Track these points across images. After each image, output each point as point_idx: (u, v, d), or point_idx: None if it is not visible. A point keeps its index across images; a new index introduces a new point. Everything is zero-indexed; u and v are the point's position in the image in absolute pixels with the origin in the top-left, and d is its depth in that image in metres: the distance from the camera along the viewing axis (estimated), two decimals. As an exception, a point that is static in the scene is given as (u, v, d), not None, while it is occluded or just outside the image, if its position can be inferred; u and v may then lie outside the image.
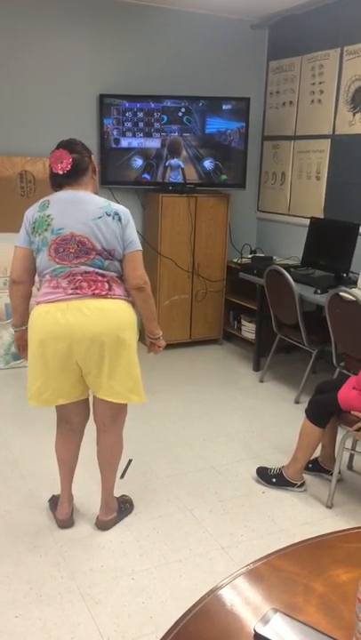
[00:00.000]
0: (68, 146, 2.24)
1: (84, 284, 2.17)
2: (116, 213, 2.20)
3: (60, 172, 2.20)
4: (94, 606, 2.06)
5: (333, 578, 1.16)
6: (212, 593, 1.12)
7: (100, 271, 2.19)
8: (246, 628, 1.04)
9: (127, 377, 2.26)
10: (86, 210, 2.17)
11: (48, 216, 2.18)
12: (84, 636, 1.93)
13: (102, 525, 2.45)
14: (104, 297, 2.19)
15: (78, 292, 2.17)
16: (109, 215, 2.18)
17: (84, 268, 2.17)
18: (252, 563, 1.21)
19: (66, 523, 2.47)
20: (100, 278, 2.19)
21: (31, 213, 2.24)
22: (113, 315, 2.19)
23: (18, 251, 2.27)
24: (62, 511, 2.48)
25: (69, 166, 2.19)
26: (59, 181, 2.24)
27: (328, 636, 0.99)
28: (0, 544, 2.37)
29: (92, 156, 2.31)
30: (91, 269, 2.18)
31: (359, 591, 0.93)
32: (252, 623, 1.04)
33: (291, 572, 1.19)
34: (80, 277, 2.17)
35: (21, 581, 2.17)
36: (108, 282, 2.21)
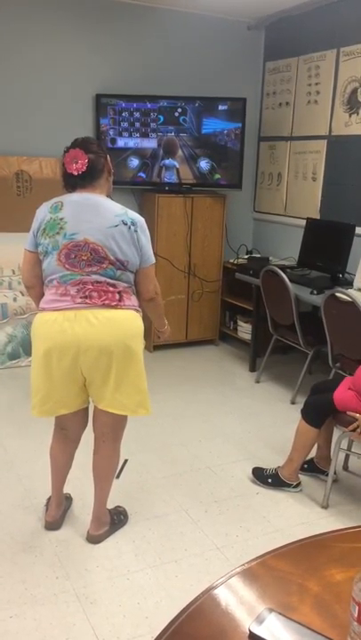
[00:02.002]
0: (84, 145, 2.14)
1: (95, 294, 2.09)
2: (133, 223, 2.12)
3: (75, 173, 2.11)
4: (89, 606, 2.06)
5: (328, 577, 1.16)
6: (207, 593, 1.11)
7: (112, 281, 2.11)
8: (241, 627, 1.04)
9: (135, 390, 2.20)
10: (103, 216, 2.08)
11: (61, 219, 2.09)
12: (78, 637, 1.93)
13: (92, 540, 2.38)
14: (114, 307, 2.11)
15: (88, 301, 2.09)
16: (126, 224, 2.09)
17: (95, 277, 2.09)
18: (246, 562, 1.21)
19: (52, 525, 2.45)
20: (110, 289, 2.11)
21: (42, 214, 2.15)
22: (122, 324, 2.12)
23: (25, 254, 2.22)
24: (50, 513, 2.46)
25: (85, 167, 2.10)
26: (72, 182, 2.15)
27: (322, 636, 0.99)
28: (-5, 544, 2.37)
29: (108, 157, 2.23)
30: (102, 279, 2.10)
31: (353, 591, 0.93)
32: (246, 623, 1.04)
33: (285, 571, 1.19)
34: (90, 287, 2.09)
35: (16, 581, 2.17)
36: (119, 292, 2.13)
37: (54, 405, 2.22)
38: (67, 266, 2.10)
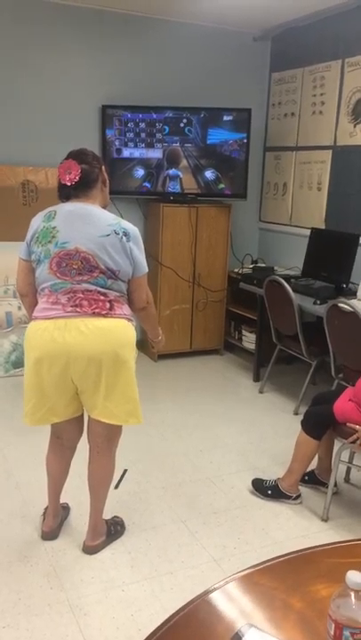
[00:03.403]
0: (78, 156, 2.17)
1: (85, 303, 2.10)
2: (125, 233, 2.12)
3: (69, 184, 2.13)
4: (83, 618, 2.05)
5: (313, 593, 1.14)
6: (188, 606, 1.10)
7: (103, 290, 2.12)
8: (220, 643, 1.02)
9: (125, 398, 2.19)
10: (94, 225, 2.10)
11: (54, 228, 2.11)
12: (71, 648, 1.91)
13: (88, 550, 2.36)
14: (104, 316, 2.11)
15: (78, 309, 2.09)
16: (118, 234, 2.11)
17: (85, 285, 2.10)
18: (231, 576, 1.19)
19: (48, 535, 2.44)
20: (101, 297, 2.12)
21: (36, 223, 2.18)
22: (112, 333, 2.12)
23: (19, 262, 2.24)
24: (47, 523, 2.45)
25: (78, 177, 2.12)
26: (66, 193, 2.17)
27: (302, 653, 0.97)
28: (-9, 553, 2.36)
29: (103, 167, 2.24)
30: (93, 288, 2.10)
31: (330, 608, 0.91)
32: (226, 638, 1.02)
33: (270, 586, 1.17)
34: (81, 295, 2.10)
35: (10, 591, 2.16)
36: (110, 301, 2.13)
37: (45, 414, 2.22)
38: (58, 274, 2.10)
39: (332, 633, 0.90)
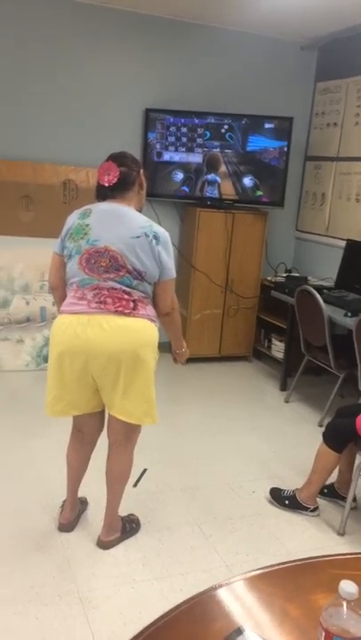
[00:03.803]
0: (118, 159, 2.23)
1: (109, 300, 2.14)
2: (155, 237, 2.16)
3: (106, 185, 2.19)
4: (91, 611, 2.08)
5: (311, 602, 1.14)
6: (185, 604, 1.12)
7: (128, 289, 2.15)
8: (213, 642, 1.03)
9: (142, 398, 2.22)
10: (126, 226, 2.15)
11: (87, 225, 2.17)
12: (77, 639, 1.95)
13: (103, 545, 2.40)
14: (127, 315, 2.14)
15: (102, 306, 2.13)
16: (148, 236, 2.14)
17: (111, 283, 2.14)
18: (231, 578, 1.20)
19: (65, 527, 2.48)
20: (125, 296, 2.15)
21: (71, 220, 2.25)
22: (133, 332, 2.15)
23: (53, 256, 2.31)
24: (64, 515, 2.50)
25: (116, 179, 2.18)
26: (103, 193, 2.23)
27: (293, 659, 0.97)
28: (8, 542, 2.42)
29: (142, 171, 2.30)
30: (118, 286, 2.14)
31: (322, 616, 0.91)
32: (219, 639, 1.03)
33: (269, 591, 1.18)
34: (106, 292, 2.14)
35: (24, 580, 2.21)
36: (133, 301, 2.16)
37: (66, 406, 2.27)
38: (86, 270, 2.16)
39: (321, 641, 0.91)
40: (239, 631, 1.03)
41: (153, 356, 2.22)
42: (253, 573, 1.22)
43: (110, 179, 2.19)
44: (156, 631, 1.04)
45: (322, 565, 1.29)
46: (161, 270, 2.20)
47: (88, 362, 2.14)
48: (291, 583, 1.21)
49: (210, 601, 1.14)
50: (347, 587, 0.91)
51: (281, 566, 1.25)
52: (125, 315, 2.15)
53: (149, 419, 2.26)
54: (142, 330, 2.18)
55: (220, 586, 1.17)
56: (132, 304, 2.16)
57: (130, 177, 2.23)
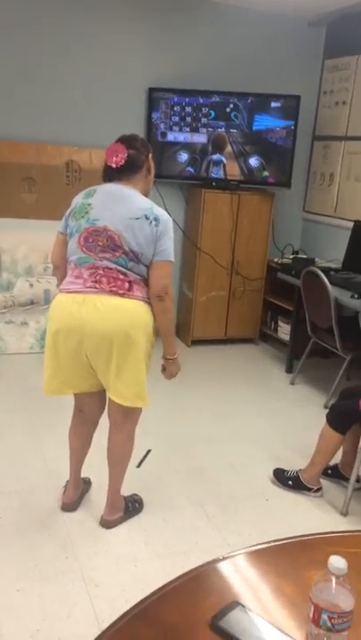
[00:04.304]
0: (127, 141, 2.23)
1: (104, 280, 2.14)
2: (156, 219, 2.14)
3: (114, 166, 2.19)
4: (93, 589, 2.10)
5: (305, 579, 1.14)
6: (179, 580, 1.12)
7: (123, 270, 2.15)
8: (206, 617, 1.03)
9: (133, 380, 2.20)
10: (126, 207, 2.15)
11: (89, 204, 2.18)
12: (79, 616, 1.97)
13: (105, 524, 2.42)
14: (121, 295, 2.14)
15: (97, 285, 2.14)
16: (148, 219, 2.13)
17: (106, 263, 2.14)
18: (225, 555, 1.20)
19: (68, 507, 2.50)
20: (121, 277, 2.15)
21: (76, 199, 2.27)
22: (126, 313, 2.14)
23: (57, 235, 2.32)
24: (67, 495, 2.52)
25: (123, 161, 2.18)
26: (110, 174, 2.23)
27: (283, 633, 0.97)
28: (13, 521, 2.44)
29: (150, 156, 2.28)
30: (113, 266, 2.14)
31: (312, 591, 0.91)
32: (212, 613, 1.03)
33: (264, 569, 1.17)
34: (101, 272, 2.14)
35: (27, 558, 2.23)
36: (129, 282, 2.16)
37: (59, 384, 2.28)
38: (84, 249, 2.17)
39: (311, 615, 0.90)
40: (232, 606, 1.03)
41: (146, 338, 2.20)
42: (248, 550, 1.21)
43: (118, 160, 2.18)
44: (149, 607, 1.04)
45: (317, 543, 1.28)
46: (156, 249, 2.17)
47: (82, 341, 2.15)
48: (285, 560, 1.20)
49: (204, 576, 1.14)
50: (336, 562, 0.90)
51: (276, 543, 1.25)
52: (120, 295, 2.14)
53: (141, 401, 2.25)
54: (135, 311, 2.16)
55: (215, 562, 1.17)
56: (127, 284, 2.16)
57: (138, 160, 2.22)
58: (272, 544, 1.24)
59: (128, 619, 1.02)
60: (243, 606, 1.04)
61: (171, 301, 2.23)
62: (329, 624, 0.87)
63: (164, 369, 2.38)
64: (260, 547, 1.22)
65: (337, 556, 0.90)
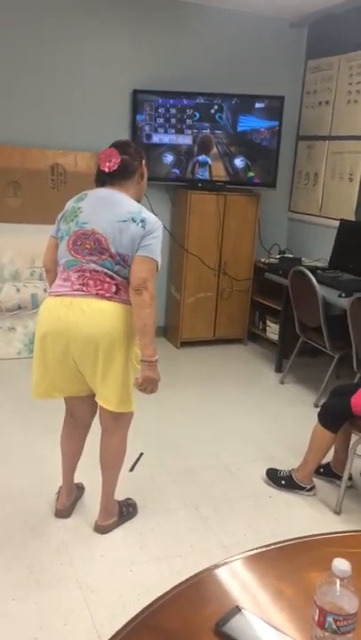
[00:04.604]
0: (121, 146, 2.24)
1: (91, 282, 2.13)
2: (143, 220, 2.13)
3: (107, 170, 2.19)
4: (90, 595, 2.08)
5: (305, 581, 1.14)
6: (179, 587, 1.11)
7: (110, 273, 2.14)
8: (208, 623, 1.03)
9: (118, 384, 2.17)
10: (115, 211, 2.14)
11: (79, 208, 2.19)
12: (76, 623, 1.95)
13: (100, 530, 2.41)
14: (108, 299, 2.14)
15: (84, 288, 2.13)
16: (135, 221, 2.12)
17: (93, 265, 2.14)
18: (224, 560, 1.20)
19: (62, 513, 2.49)
20: (108, 279, 2.14)
21: (69, 203, 2.27)
22: (112, 316, 2.13)
23: (49, 239, 2.31)
24: (61, 501, 2.50)
25: (116, 166, 2.18)
26: (103, 179, 2.23)
27: (288, 637, 0.97)
28: (6, 527, 2.42)
29: (144, 162, 2.29)
30: (100, 269, 2.13)
31: (316, 594, 0.91)
32: (215, 619, 1.03)
33: (263, 572, 1.17)
34: (88, 275, 2.14)
35: (22, 565, 2.21)
36: (116, 285, 2.15)
37: (48, 388, 2.27)
38: (72, 252, 2.17)
39: (316, 618, 0.91)
40: (234, 611, 1.03)
41: (132, 342, 2.19)
42: (248, 554, 1.21)
43: (111, 165, 2.18)
44: (151, 615, 1.04)
45: (316, 544, 1.29)
46: (140, 247, 2.12)
47: (69, 344, 2.14)
48: (285, 563, 1.20)
49: (204, 583, 1.14)
50: (340, 564, 0.90)
51: (275, 546, 1.25)
52: (106, 298, 2.14)
53: (124, 406, 2.24)
54: (122, 314, 2.15)
55: (215, 567, 1.17)
56: (114, 288, 2.15)
57: (131, 166, 2.23)
58: (271, 547, 1.24)
59: (131, 628, 1.01)
60: (245, 611, 1.04)
61: (150, 297, 2.12)
62: (334, 626, 0.88)
63: (140, 383, 2.17)
64: (258, 550, 1.22)
65: (341, 558, 0.91)
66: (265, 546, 1.23)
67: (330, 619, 0.88)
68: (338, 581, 0.89)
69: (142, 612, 1.05)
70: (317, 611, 0.90)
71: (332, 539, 1.30)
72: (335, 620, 0.88)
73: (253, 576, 1.16)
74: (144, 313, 2.12)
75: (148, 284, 2.12)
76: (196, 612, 1.06)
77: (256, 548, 1.23)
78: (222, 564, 1.18)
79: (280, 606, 1.07)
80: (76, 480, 2.56)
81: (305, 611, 1.06)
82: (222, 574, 1.17)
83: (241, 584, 1.15)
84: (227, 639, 0.98)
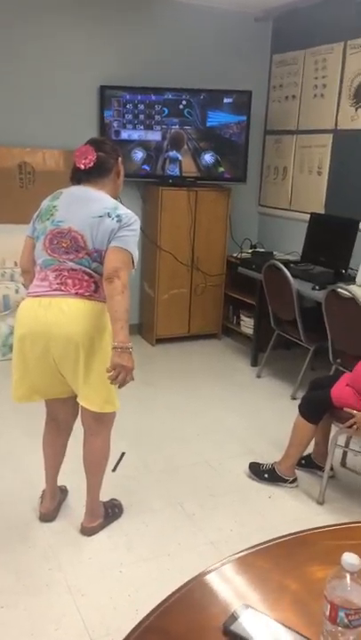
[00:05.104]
0: (97, 144, 2.21)
1: (69, 282, 2.11)
2: (118, 215, 2.09)
3: (82, 167, 2.16)
4: (80, 598, 2.07)
5: (308, 575, 1.15)
6: (184, 588, 1.11)
7: (88, 271, 2.12)
8: (216, 623, 1.03)
9: (101, 384, 2.13)
10: (90, 207, 2.12)
11: (54, 207, 2.17)
12: (68, 627, 1.94)
13: (86, 532, 2.39)
14: (87, 298, 2.12)
15: (62, 288, 2.11)
16: (110, 216, 2.09)
17: (71, 264, 2.11)
18: (226, 559, 1.20)
19: (47, 516, 2.46)
20: (86, 277, 2.12)
21: (44, 202, 2.24)
22: (92, 316, 2.11)
23: (25, 239, 2.27)
24: (45, 505, 2.48)
25: (92, 163, 2.16)
26: (78, 177, 2.20)
27: (298, 633, 0.98)
28: (-11, 535, 2.38)
29: (120, 160, 2.26)
30: (77, 267, 2.11)
31: (326, 589, 0.92)
32: (222, 619, 1.03)
33: (265, 568, 1.18)
34: (66, 274, 2.12)
35: (9, 572, 2.18)
36: (95, 283, 2.13)
37: (27, 391, 2.25)
38: (49, 251, 2.14)
39: (327, 614, 0.91)
40: (242, 609, 1.03)
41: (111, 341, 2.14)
42: (247, 552, 1.22)
43: (86, 162, 2.16)
44: (153, 622, 1.03)
45: (314, 538, 1.30)
46: (114, 238, 2.08)
47: (48, 345, 2.11)
48: (285, 558, 1.21)
49: (208, 583, 1.14)
50: (349, 558, 0.91)
51: (273, 542, 1.26)
52: (85, 297, 2.12)
53: (110, 405, 2.22)
54: (102, 313, 2.13)
55: (216, 567, 1.17)
56: (93, 286, 2.14)
57: (107, 163, 2.20)
58: (270, 543, 1.25)
59: (137, 634, 1.00)
60: (252, 609, 1.04)
61: (122, 285, 2.02)
62: (346, 621, 0.89)
63: (108, 371, 2.01)
64: (259, 547, 1.23)
65: (350, 552, 0.92)
66: (264, 542, 1.24)
67: (342, 613, 0.89)
68: (348, 576, 0.90)
69: (148, 616, 1.05)
70: (329, 606, 0.91)
71: (330, 531, 1.32)
72: (347, 615, 0.89)
73: (256, 573, 1.17)
74: (115, 300, 2.03)
75: (121, 273, 2.04)
76: (203, 613, 1.06)
77: (256, 546, 1.23)
78: (223, 564, 1.18)
79: (285, 602, 1.08)
80: (59, 483, 2.53)
81: (311, 605, 1.07)
82: (223, 573, 1.17)
83: (243, 582, 1.15)
84: (236, 638, 0.98)
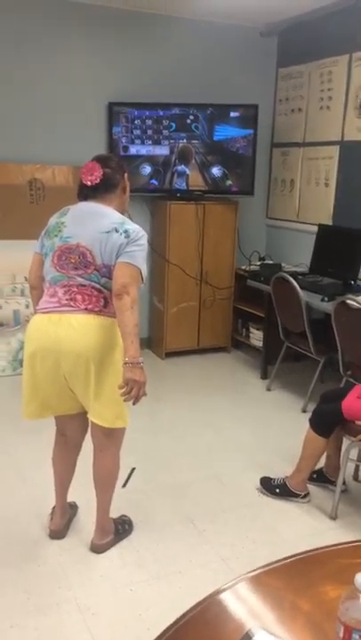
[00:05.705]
0: (103, 160, 2.22)
1: (79, 297, 2.12)
2: (125, 230, 2.10)
3: (88, 184, 2.17)
4: (91, 617, 2.04)
5: (321, 595, 1.13)
6: (196, 609, 1.09)
7: (97, 286, 2.13)
8: (228, 645, 1.01)
9: (112, 400, 2.13)
10: (98, 223, 2.12)
11: (62, 223, 2.18)
12: (79, 647, 1.91)
13: (96, 549, 2.37)
14: (97, 313, 2.12)
15: (72, 304, 2.11)
16: (117, 231, 2.10)
17: (80, 280, 2.12)
18: (239, 577, 1.18)
19: (56, 534, 2.44)
20: (95, 293, 2.13)
21: (52, 219, 2.25)
22: (102, 332, 2.11)
23: (34, 255, 2.28)
24: (55, 522, 2.46)
25: (98, 179, 2.17)
26: (85, 193, 2.21)
27: (310, 656, 0.96)
28: (0, 552, 2.36)
29: (126, 176, 2.27)
30: (87, 283, 2.12)
31: (340, 610, 0.90)
32: (235, 638, 1.01)
33: (278, 587, 1.16)
34: (75, 289, 2.12)
35: (19, 590, 2.16)
36: (104, 298, 2.13)
37: (38, 407, 2.24)
38: (57, 267, 2.15)
39: (341, 635, 0.89)
40: (255, 629, 1.01)
41: (122, 357, 2.12)
42: (260, 570, 1.20)
43: (93, 179, 2.17)
44: (172, 637, 1.01)
45: (326, 556, 1.28)
46: (121, 253, 2.08)
47: (59, 361, 2.11)
48: (299, 577, 1.19)
49: (221, 601, 1.12)
50: (363, 579, 0.89)
51: (286, 561, 1.24)
52: (95, 313, 2.12)
53: (121, 421, 2.21)
54: (112, 328, 2.12)
55: (229, 586, 1.15)
56: (102, 301, 2.14)
57: (113, 179, 2.21)
58: (283, 562, 1.23)
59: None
60: (265, 630, 1.02)
61: (131, 301, 2.03)
62: (360, 643, 0.87)
63: (121, 386, 2.02)
64: (271, 566, 1.21)
65: (363, 573, 0.90)
66: (276, 561, 1.22)
67: (356, 635, 0.87)
68: (361, 596, 0.88)
69: (162, 634, 1.03)
70: (342, 628, 0.89)
71: (343, 549, 1.29)
72: (361, 637, 0.87)
73: (268, 591, 1.15)
74: (124, 316, 2.04)
75: (130, 289, 2.04)
76: (217, 633, 1.04)
77: (268, 565, 1.21)
78: (236, 583, 1.16)
79: (299, 623, 1.06)
80: (69, 499, 2.51)
81: (323, 626, 1.05)
82: (237, 593, 1.15)
83: (256, 602, 1.13)
84: (249, 660, 0.96)
